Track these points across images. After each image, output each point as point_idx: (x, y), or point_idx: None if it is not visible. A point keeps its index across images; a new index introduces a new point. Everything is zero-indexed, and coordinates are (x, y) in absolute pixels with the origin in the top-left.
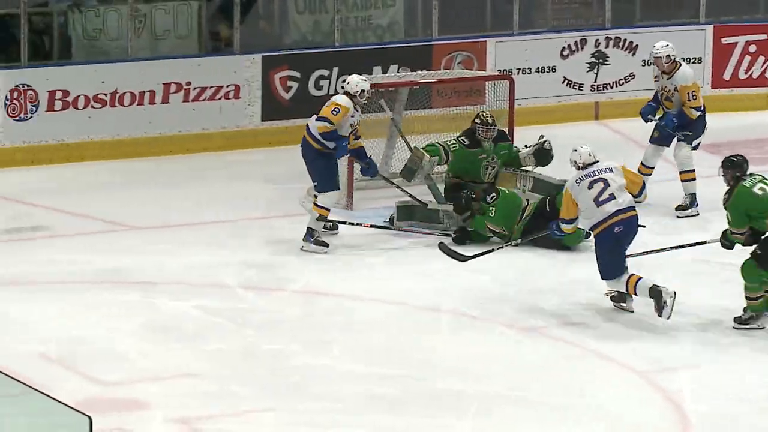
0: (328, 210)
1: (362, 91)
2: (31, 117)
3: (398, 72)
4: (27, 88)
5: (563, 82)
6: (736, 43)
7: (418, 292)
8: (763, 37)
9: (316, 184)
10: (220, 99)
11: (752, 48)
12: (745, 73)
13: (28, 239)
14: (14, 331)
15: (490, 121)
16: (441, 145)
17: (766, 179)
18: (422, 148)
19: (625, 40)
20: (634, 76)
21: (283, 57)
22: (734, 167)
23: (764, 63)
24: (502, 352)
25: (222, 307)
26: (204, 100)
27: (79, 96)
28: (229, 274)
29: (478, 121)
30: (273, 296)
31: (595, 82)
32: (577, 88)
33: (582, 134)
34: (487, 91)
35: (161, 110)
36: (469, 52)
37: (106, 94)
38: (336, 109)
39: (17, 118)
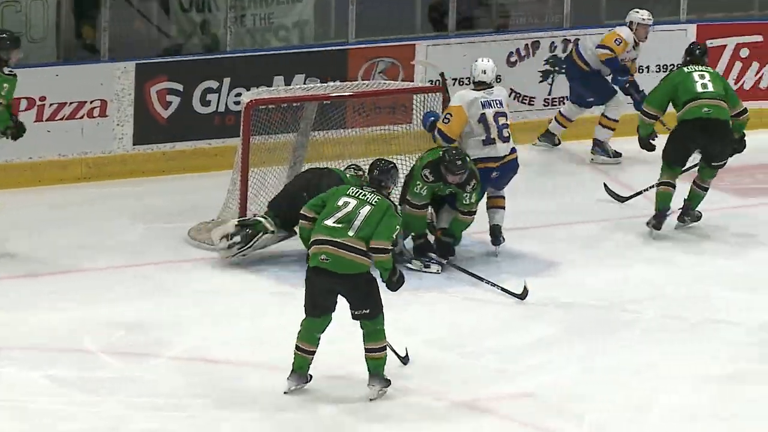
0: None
1: None
2: None
3: (305, 83)
4: None
5: (511, 95)
6: (725, 45)
7: None
8: (758, 39)
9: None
10: (82, 118)
11: (743, 52)
12: (735, 83)
13: None
14: None
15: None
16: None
17: None
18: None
19: None
20: None
21: (162, 65)
22: None
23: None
24: None
25: (81, 377)
26: (62, 119)
27: None
28: (91, 337)
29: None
30: (146, 363)
31: (549, 95)
32: (526, 102)
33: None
34: (414, 108)
35: None
36: (394, 58)
37: None
38: (618, 40)
39: None
